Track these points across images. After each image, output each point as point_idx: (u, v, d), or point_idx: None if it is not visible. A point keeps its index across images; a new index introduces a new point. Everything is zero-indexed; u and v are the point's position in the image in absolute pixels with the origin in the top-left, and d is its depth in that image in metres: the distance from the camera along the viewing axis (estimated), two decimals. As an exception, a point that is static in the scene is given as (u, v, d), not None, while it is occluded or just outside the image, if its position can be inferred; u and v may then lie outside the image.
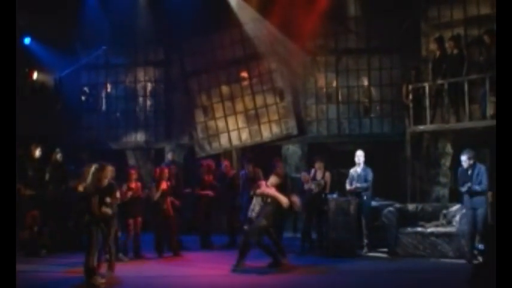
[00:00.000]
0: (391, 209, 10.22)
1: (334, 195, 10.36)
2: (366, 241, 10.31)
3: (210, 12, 13.56)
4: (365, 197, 10.35)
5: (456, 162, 10.19)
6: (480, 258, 8.90)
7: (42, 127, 12.51)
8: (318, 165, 10.61)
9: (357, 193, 10.33)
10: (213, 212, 11.61)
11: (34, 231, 10.53)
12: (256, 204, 9.11)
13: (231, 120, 14.45)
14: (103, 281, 8.00)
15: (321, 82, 14.11)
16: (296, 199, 9.78)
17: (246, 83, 14.38)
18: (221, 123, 14.51)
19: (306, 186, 10.55)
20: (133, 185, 10.11)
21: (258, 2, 13.64)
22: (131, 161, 14.54)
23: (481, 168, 9.24)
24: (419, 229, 9.94)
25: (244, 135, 14.38)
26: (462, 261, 9.18)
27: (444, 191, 12.06)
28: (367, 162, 10.58)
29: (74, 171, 10.71)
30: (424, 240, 9.75)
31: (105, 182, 8.19)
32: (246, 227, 9.13)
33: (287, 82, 14.09)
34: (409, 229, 9.96)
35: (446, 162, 12.10)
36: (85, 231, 8.10)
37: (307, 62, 14.08)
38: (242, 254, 8.92)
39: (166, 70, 14.96)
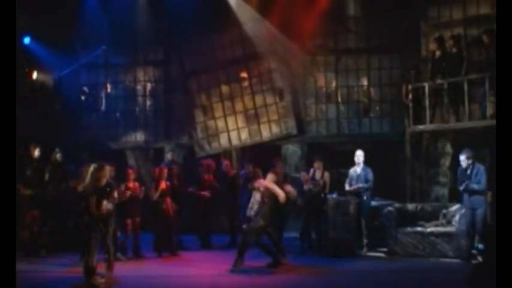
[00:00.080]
0: (390, 208, 10.22)
1: (334, 195, 10.37)
2: (365, 241, 10.31)
3: (209, 12, 13.55)
4: (365, 197, 10.35)
5: (456, 162, 10.19)
6: (479, 258, 8.91)
7: (42, 127, 12.48)
8: (317, 165, 10.62)
9: (356, 193, 10.34)
10: (213, 212, 11.61)
11: (34, 231, 10.52)
12: (254, 203, 9.13)
13: (230, 120, 14.44)
14: (102, 280, 8.02)
15: (321, 82, 14.11)
16: (290, 188, 9.84)
17: (245, 82, 14.37)
18: (221, 123, 14.51)
19: (306, 186, 10.56)
20: (131, 184, 10.11)
21: (258, 1, 13.63)
22: (131, 161, 14.53)
23: (480, 168, 9.26)
24: (418, 229, 9.95)
25: (244, 135, 14.38)
26: (462, 261, 9.17)
27: (444, 191, 12.07)
28: (366, 162, 10.58)
29: (73, 171, 10.70)
30: (423, 240, 9.76)
31: (104, 181, 8.20)
32: (244, 226, 9.15)
33: (287, 82, 14.09)
34: (409, 229, 9.97)
35: (446, 162, 12.11)
36: (84, 231, 8.09)
37: (307, 62, 14.08)
38: (240, 254, 8.94)
39: (166, 70, 14.95)
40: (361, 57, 13.83)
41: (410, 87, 11.80)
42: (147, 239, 10.47)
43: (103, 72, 15.16)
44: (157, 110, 15.03)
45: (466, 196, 9.32)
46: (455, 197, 10.71)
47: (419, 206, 10.59)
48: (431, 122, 11.44)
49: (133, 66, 15.11)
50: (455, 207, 10.10)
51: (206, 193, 11.22)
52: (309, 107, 14.12)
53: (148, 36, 14.49)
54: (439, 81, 11.36)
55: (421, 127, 11.70)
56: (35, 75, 13.71)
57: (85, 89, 15.23)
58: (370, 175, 10.39)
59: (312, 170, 10.71)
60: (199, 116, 14.61)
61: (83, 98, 15.21)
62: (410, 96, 11.76)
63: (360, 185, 10.33)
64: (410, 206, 10.62)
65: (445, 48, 11.48)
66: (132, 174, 10.29)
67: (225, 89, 14.52)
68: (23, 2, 9.35)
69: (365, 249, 10.28)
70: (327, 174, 10.59)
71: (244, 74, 14.39)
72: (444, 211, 10.27)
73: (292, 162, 13.87)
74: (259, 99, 14.27)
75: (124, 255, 9.96)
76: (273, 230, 9.42)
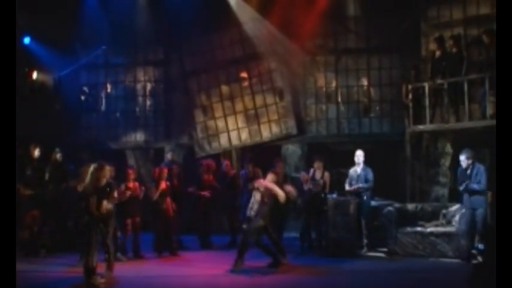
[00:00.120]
0: (390, 208, 10.22)
1: (334, 195, 10.37)
2: (365, 241, 10.31)
3: (209, 12, 13.56)
4: (365, 197, 10.35)
5: (456, 162, 10.19)
6: (479, 258, 8.90)
7: (42, 127, 12.49)
8: (317, 165, 10.62)
9: (356, 193, 10.34)
10: (213, 212, 11.61)
11: (34, 231, 10.52)
12: (254, 203, 9.13)
13: (230, 120, 14.44)
14: (102, 280, 8.02)
15: (321, 82, 14.11)
16: (290, 188, 9.84)
17: (245, 82, 14.37)
18: (221, 123, 14.51)
19: (306, 186, 10.56)
20: (131, 184, 10.11)
21: (258, 1, 13.63)
22: (131, 161, 14.54)
23: (480, 168, 9.25)
24: (418, 229, 9.95)
25: (244, 135, 14.38)
26: (462, 261, 9.17)
27: (444, 191, 12.06)
28: (366, 162, 10.59)
29: (73, 171, 10.70)
30: (423, 240, 9.75)
31: (104, 181, 8.19)
32: (244, 226, 9.15)
33: (287, 82, 14.09)
34: (409, 229, 9.97)
35: (446, 162, 12.10)
36: (84, 231, 8.09)
37: (307, 62, 14.08)
38: (240, 254, 8.94)
39: (166, 70, 14.96)
40: (361, 57, 13.83)
41: (410, 87, 11.79)
42: (147, 239, 10.47)
43: (103, 72, 15.16)
44: (157, 110, 15.03)
45: (466, 196, 9.32)
46: (455, 197, 10.70)
47: (419, 206, 10.59)
48: (431, 122, 11.43)
49: (133, 66, 15.11)
50: (455, 207, 10.10)
51: (206, 193, 11.22)
52: (309, 107, 14.12)
53: (148, 36, 14.50)
54: (439, 81, 11.35)
55: (421, 127, 11.70)
56: (35, 75, 13.71)
57: (85, 89, 15.23)
58: (370, 175, 10.38)
59: (312, 170, 10.72)
60: (199, 116, 14.61)
61: (83, 98, 15.21)
62: (410, 96, 11.76)
63: (360, 185, 10.32)
64: (410, 206, 10.62)
65: (445, 48, 11.48)
66: (132, 174, 10.30)
67: (225, 89, 14.52)
68: (23, 2, 9.35)
69: (365, 249, 10.28)
70: (327, 174, 10.60)
71: (244, 74, 14.39)
72: (444, 211, 10.27)
73: (292, 162, 13.87)
74: (259, 99, 14.27)
75: (124, 255, 9.96)
76: (273, 229, 9.41)
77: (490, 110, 10.35)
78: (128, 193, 9.84)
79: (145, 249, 10.30)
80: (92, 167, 8.21)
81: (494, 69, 9.36)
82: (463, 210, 9.47)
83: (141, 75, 15.12)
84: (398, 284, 8.17)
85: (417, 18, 12.85)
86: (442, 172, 12.13)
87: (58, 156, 11.27)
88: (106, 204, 8.05)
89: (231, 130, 14.42)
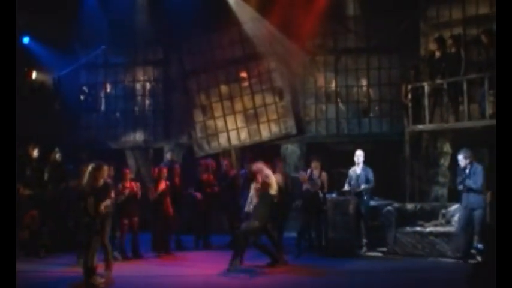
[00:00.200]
0: (390, 208, 10.23)
1: (333, 195, 10.37)
2: (364, 241, 10.32)
3: (209, 12, 13.56)
4: (364, 197, 10.36)
5: (455, 161, 10.18)
6: (479, 258, 8.91)
7: (41, 127, 12.49)
8: (314, 164, 10.62)
9: (356, 193, 10.34)
10: (212, 212, 11.60)
11: (33, 231, 10.51)
12: (253, 197, 9.12)
13: (230, 120, 14.45)
14: (102, 280, 8.01)
15: (320, 82, 14.12)
16: (279, 178, 9.77)
17: (245, 82, 14.38)
18: (220, 123, 14.51)
19: (304, 186, 10.56)
20: (128, 184, 10.09)
21: (257, 1, 13.64)
22: (130, 161, 14.55)
23: (478, 167, 9.24)
24: (418, 228, 9.95)
25: (243, 135, 14.38)
26: (461, 260, 9.18)
27: (443, 191, 12.07)
28: (366, 162, 10.59)
29: (73, 171, 10.70)
30: (422, 240, 9.76)
31: (102, 181, 8.18)
32: (243, 225, 9.12)
33: (286, 82, 14.10)
34: (408, 228, 9.98)
35: (445, 161, 12.11)
36: (85, 231, 8.09)
37: (306, 62, 14.09)
38: (235, 254, 8.87)
39: (165, 70, 14.96)
40: (360, 57, 13.84)
41: (409, 87, 11.79)
42: (146, 239, 10.47)
43: (102, 72, 15.17)
44: (156, 110, 15.03)
45: (464, 196, 9.31)
46: (454, 197, 10.70)
47: (419, 206, 10.61)
48: (430, 121, 11.43)
49: (133, 66, 15.12)
50: (454, 207, 10.11)
51: (198, 194, 11.16)
52: (308, 107, 14.12)
53: (147, 36, 14.50)
54: (438, 81, 11.36)
55: (420, 127, 11.70)
56: (34, 75, 13.72)
57: (84, 88, 15.24)
58: (371, 175, 10.40)
59: (309, 170, 10.71)
60: (198, 116, 14.61)
61: (82, 97, 15.22)
62: (409, 96, 11.75)
63: (362, 186, 10.33)
64: (410, 206, 10.63)
65: (444, 48, 11.48)
66: (129, 174, 10.29)
67: (224, 88, 14.52)
68: (23, 2, 9.35)
69: (364, 249, 10.29)
70: (324, 174, 10.60)
71: (243, 74, 14.39)
72: (443, 211, 10.28)
73: (292, 162, 13.87)
74: (258, 99, 14.28)
75: (121, 254, 9.95)
76: (272, 228, 9.38)
77: (489, 110, 10.35)
78: (127, 191, 9.82)
79: (144, 249, 10.30)
80: (90, 167, 8.21)
81: (493, 69, 9.37)
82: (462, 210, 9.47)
83: (140, 75, 15.13)
84: (397, 284, 8.18)
85: (417, 18, 12.85)
86: (441, 172, 12.14)
87: (57, 156, 11.27)
88: (104, 204, 8.04)
89: (231, 130, 14.42)
